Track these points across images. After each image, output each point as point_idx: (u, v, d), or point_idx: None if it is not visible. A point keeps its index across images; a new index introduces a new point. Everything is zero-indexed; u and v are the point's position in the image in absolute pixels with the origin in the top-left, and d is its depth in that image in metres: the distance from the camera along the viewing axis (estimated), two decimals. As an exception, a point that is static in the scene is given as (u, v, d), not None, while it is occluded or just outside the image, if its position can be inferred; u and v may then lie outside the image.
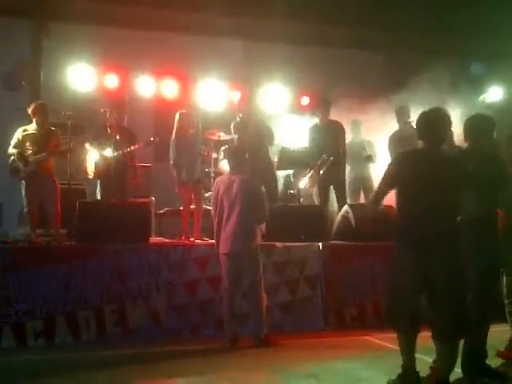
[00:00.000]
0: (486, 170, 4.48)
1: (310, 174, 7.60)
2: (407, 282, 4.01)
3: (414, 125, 7.52)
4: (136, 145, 7.12)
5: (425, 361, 4.59)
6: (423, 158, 4.16)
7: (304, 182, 7.64)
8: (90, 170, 7.05)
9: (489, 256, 4.49)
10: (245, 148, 6.30)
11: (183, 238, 7.01)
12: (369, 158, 8.32)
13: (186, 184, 7.13)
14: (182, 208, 7.31)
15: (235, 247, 5.64)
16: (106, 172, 6.97)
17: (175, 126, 7.22)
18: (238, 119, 7.92)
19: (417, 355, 4.70)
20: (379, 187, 4.31)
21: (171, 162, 7.17)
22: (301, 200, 7.75)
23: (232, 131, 7.84)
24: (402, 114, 7.91)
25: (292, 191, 7.80)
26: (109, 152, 6.98)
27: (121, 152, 7.01)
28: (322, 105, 8.01)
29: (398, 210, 4.22)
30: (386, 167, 4.36)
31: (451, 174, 4.10)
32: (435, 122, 4.19)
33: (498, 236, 4.60)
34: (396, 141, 7.76)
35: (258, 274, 5.69)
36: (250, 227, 5.68)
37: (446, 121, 4.23)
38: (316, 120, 8.23)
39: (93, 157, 7.05)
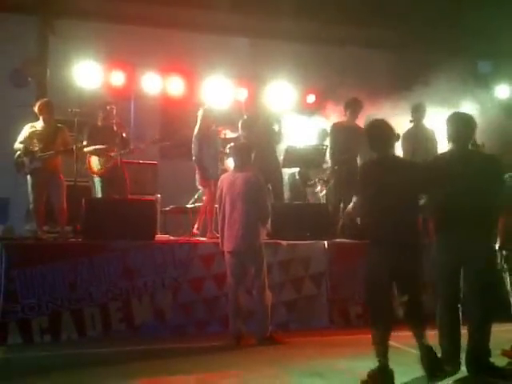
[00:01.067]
0: (474, 170, 4.55)
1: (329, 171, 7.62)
2: (381, 282, 4.40)
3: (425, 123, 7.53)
4: (143, 144, 7.15)
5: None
6: (379, 167, 4.57)
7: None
8: (96, 168, 7.06)
9: (484, 256, 4.58)
10: (250, 145, 6.29)
11: (209, 234, 6.95)
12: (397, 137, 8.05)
13: (210, 180, 7.11)
14: (202, 204, 7.28)
15: (239, 245, 5.66)
16: (111, 170, 7.00)
17: (199, 121, 7.20)
18: (245, 117, 7.91)
19: (414, 351, 4.75)
20: (355, 201, 4.75)
21: (193, 158, 7.15)
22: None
23: (239, 129, 7.83)
24: (416, 111, 7.81)
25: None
26: (116, 150, 7.02)
27: (127, 150, 7.04)
28: (353, 105, 7.72)
29: (369, 216, 4.60)
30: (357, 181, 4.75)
31: (406, 179, 4.43)
32: (384, 134, 4.59)
33: (492, 235, 4.65)
34: (409, 138, 7.68)
35: (262, 272, 5.70)
36: (254, 225, 5.68)
37: (391, 131, 4.63)
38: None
39: (94, 156, 7.07)
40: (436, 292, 4.83)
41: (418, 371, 4.63)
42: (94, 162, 7.07)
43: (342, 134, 7.62)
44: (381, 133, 4.59)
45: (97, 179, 7.14)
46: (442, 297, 4.69)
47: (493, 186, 4.59)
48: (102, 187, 7.09)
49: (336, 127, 7.81)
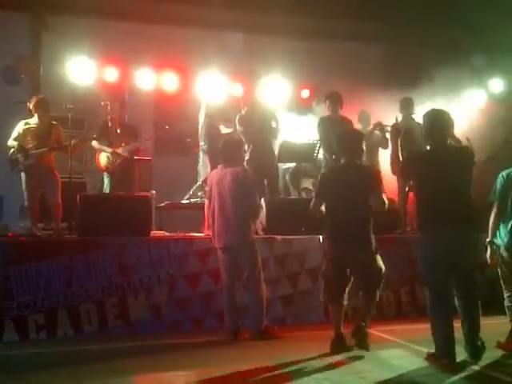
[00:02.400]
0: (455, 164, 4.65)
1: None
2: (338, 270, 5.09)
3: (414, 117, 7.55)
4: (143, 138, 7.19)
5: (423, 352, 4.83)
6: (343, 173, 5.17)
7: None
8: (103, 164, 7.12)
9: (472, 250, 4.69)
10: (240, 141, 6.29)
11: (204, 231, 6.85)
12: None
13: None
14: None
15: (228, 240, 5.67)
16: (112, 167, 7.04)
17: (204, 114, 7.17)
18: (242, 112, 7.89)
19: (416, 347, 4.80)
20: (314, 201, 5.30)
21: (205, 147, 7.07)
22: None
23: (236, 124, 7.80)
24: (405, 106, 7.83)
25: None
26: (113, 147, 7.06)
27: (125, 146, 7.08)
28: (331, 98, 7.76)
29: (326, 214, 5.18)
30: (318, 184, 5.46)
31: (366, 183, 5.02)
32: (352, 142, 5.20)
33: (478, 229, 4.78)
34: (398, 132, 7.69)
35: (257, 267, 5.69)
36: (243, 220, 5.66)
37: (360, 140, 5.28)
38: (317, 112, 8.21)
39: (104, 153, 7.16)
40: (425, 287, 4.87)
41: (416, 364, 4.69)
42: (103, 158, 7.13)
43: (332, 126, 7.65)
44: (351, 141, 5.21)
45: (105, 175, 7.18)
46: (432, 292, 4.71)
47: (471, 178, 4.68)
48: (110, 183, 7.12)
49: (324, 120, 7.82)
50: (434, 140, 4.75)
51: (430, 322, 4.70)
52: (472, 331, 4.64)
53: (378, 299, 5.23)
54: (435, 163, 4.67)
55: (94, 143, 7.25)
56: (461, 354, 4.64)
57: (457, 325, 4.65)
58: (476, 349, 4.65)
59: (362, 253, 5.05)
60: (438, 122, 4.77)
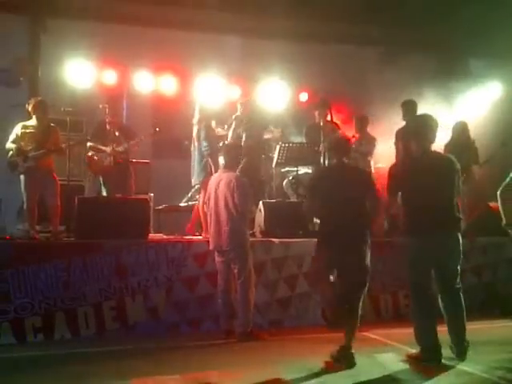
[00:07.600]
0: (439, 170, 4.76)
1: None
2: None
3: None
4: (139, 138, 7.16)
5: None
6: (336, 172, 5.09)
7: None
8: (94, 166, 7.10)
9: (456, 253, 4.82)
10: (240, 145, 6.34)
11: (204, 234, 6.84)
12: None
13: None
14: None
15: (222, 243, 5.75)
16: (107, 168, 7.03)
17: (198, 115, 7.15)
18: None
19: (413, 351, 4.83)
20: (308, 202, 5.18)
21: (207, 150, 7.03)
22: None
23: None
24: (407, 109, 7.79)
25: None
26: (109, 148, 7.04)
27: (122, 148, 7.07)
28: (320, 106, 7.96)
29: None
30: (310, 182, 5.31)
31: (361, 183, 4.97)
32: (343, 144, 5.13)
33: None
34: (402, 136, 7.69)
35: (246, 270, 5.73)
36: (236, 223, 5.72)
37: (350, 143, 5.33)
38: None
39: (95, 154, 7.12)
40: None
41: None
42: (93, 160, 7.13)
43: (318, 134, 7.76)
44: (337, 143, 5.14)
45: (100, 178, 7.17)
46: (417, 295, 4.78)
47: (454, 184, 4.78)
48: (105, 186, 7.12)
49: (311, 128, 8.02)
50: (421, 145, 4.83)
51: (413, 326, 4.77)
52: (458, 331, 4.71)
53: (359, 312, 4.92)
54: (420, 169, 4.79)
55: (89, 143, 7.22)
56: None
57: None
58: (462, 348, 4.73)
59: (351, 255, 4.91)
60: (422, 126, 4.87)
